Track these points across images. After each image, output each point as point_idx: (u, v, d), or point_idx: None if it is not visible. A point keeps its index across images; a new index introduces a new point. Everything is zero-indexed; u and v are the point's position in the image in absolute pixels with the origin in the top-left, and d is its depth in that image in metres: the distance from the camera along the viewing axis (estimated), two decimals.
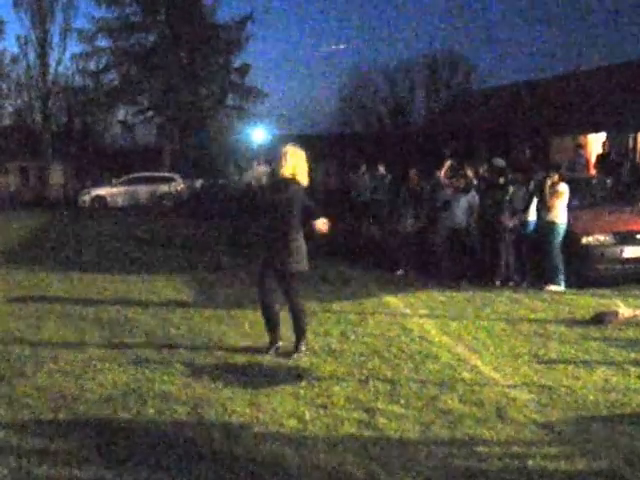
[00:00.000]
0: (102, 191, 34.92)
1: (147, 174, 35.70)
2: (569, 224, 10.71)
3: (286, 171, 7.31)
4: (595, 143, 21.13)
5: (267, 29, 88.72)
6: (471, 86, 46.53)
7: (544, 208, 10.85)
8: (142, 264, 13.94)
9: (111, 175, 36.97)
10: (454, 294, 10.59)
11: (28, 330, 8.36)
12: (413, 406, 5.85)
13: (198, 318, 9.01)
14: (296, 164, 7.35)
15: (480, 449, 5.02)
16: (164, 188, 33.74)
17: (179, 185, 33.66)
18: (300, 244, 7.34)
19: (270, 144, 33.66)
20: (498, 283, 11.07)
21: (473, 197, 11.77)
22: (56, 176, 41.17)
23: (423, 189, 13.14)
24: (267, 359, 7.20)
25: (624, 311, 8.69)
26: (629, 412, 5.69)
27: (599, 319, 8.59)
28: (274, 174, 7.79)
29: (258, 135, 35.71)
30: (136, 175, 35.39)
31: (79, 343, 7.78)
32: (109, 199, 34.26)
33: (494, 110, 28.37)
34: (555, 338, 7.99)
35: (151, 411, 5.74)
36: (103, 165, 42.14)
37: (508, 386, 6.33)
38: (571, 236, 10.68)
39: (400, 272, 12.55)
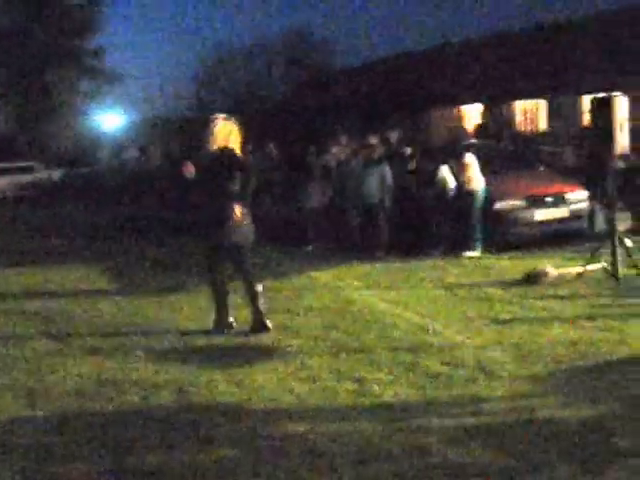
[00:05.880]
0: None
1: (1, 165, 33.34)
2: (485, 190, 11.05)
3: (219, 144, 7.18)
4: (473, 113, 22.00)
5: (125, 9, 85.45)
6: (333, 64, 46.70)
7: (461, 176, 11.14)
8: (49, 254, 13.16)
9: None
10: (376, 265, 10.70)
11: None
12: (398, 372, 5.87)
13: (134, 305, 8.68)
14: (228, 136, 7.23)
15: (483, 406, 5.12)
16: (25, 177, 31.82)
17: (41, 174, 31.92)
18: (240, 216, 7.11)
19: (129, 128, 32.88)
20: (436, 253, 11.18)
21: (385, 170, 11.88)
22: None
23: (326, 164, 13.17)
24: (226, 340, 7.05)
25: (551, 270, 9.05)
26: (606, 361, 5.94)
27: (530, 279, 8.91)
28: (204, 148, 7.49)
29: (113, 120, 34.68)
30: None
31: (27, 339, 7.31)
32: None
33: (364, 87, 28.77)
34: (497, 300, 8.22)
35: (135, 399, 5.50)
36: None
37: (478, 347, 6.46)
38: (486, 202, 11.02)
39: (309, 248, 12.54)
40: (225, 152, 7.14)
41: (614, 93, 8.86)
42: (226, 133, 7.20)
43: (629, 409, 4.93)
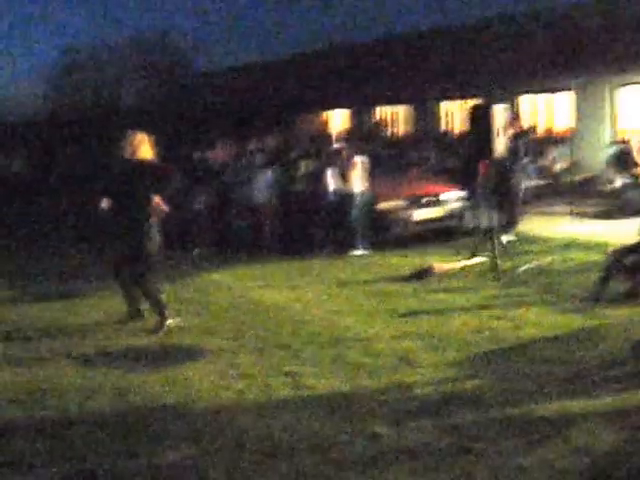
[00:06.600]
0: None
1: None
2: (367, 192, 11.61)
3: (134, 156, 7.52)
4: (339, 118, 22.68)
5: None
6: (194, 68, 46.11)
7: (342, 179, 11.64)
8: None
9: None
10: (270, 265, 11.01)
11: None
12: (323, 365, 6.25)
13: (44, 312, 8.58)
14: (143, 149, 7.56)
15: (417, 391, 5.57)
16: None
17: None
18: (151, 228, 7.61)
19: None
20: (323, 252, 11.61)
21: (269, 173, 12.24)
22: None
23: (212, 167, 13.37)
24: (147, 342, 7.20)
25: (437, 265, 9.72)
26: (508, 346, 6.57)
27: (419, 275, 9.51)
28: (121, 160, 7.74)
29: None
30: None
31: None
32: None
33: (231, 91, 28.90)
34: (393, 295, 8.75)
35: (75, 405, 5.57)
36: None
37: (392, 338, 6.93)
38: (369, 203, 11.59)
39: (196, 251, 12.67)
40: (146, 162, 7.40)
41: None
42: (141, 146, 7.54)
43: (536, 385, 5.53)
